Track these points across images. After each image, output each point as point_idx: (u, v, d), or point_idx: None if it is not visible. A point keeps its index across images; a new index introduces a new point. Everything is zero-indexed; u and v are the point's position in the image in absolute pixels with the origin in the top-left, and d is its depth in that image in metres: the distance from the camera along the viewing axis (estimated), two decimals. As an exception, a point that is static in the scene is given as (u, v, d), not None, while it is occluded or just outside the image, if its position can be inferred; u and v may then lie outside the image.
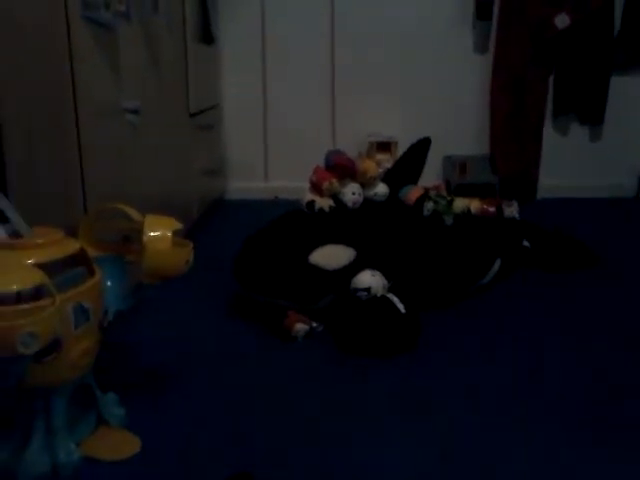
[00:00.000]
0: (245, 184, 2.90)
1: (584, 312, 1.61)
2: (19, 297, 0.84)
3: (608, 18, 2.63)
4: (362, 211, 1.73)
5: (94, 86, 1.38)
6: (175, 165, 2.02)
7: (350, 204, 1.72)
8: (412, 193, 1.87)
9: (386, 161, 2.49)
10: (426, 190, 1.91)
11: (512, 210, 1.94)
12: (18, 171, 1.11)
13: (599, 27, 2.63)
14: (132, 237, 1.12)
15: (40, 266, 0.89)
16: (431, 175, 2.70)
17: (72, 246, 0.97)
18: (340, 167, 1.73)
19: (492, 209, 1.90)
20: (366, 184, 1.78)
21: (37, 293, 0.86)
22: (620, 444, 1.07)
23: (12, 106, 1.11)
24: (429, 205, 1.85)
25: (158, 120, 1.81)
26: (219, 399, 1.21)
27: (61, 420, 0.99)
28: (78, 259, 0.99)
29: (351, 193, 1.73)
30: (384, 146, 2.70)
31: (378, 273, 1.47)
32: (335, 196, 1.72)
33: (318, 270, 1.51)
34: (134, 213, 1.09)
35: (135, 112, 1.58)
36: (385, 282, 1.46)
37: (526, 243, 1.94)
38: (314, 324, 1.48)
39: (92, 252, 1.06)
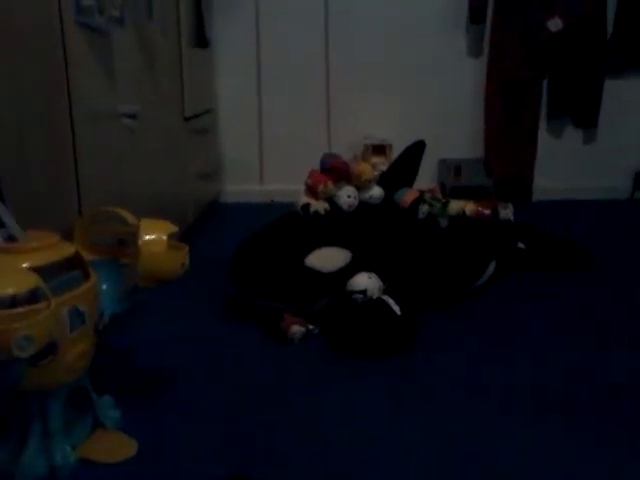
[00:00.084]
0: (240, 187, 2.90)
1: (579, 313, 1.62)
2: (14, 301, 0.85)
3: (601, 21, 2.65)
4: (357, 214, 1.74)
5: (89, 90, 1.38)
6: (170, 169, 2.03)
7: (345, 207, 1.73)
8: (407, 196, 1.88)
9: (381, 164, 2.50)
10: (421, 193, 1.91)
11: (507, 212, 1.94)
12: (12, 175, 1.11)
13: (592, 30, 2.64)
14: (127, 240, 1.12)
15: (35, 270, 0.89)
16: (426, 178, 2.71)
17: (67, 249, 0.97)
18: (335, 170, 1.73)
19: (487, 211, 1.90)
20: (361, 187, 1.78)
21: (32, 297, 0.87)
22: (620, 444, 1.07)
23: (5, 111, 1.11)
24: (424, 208, 1.85)
25: (153, 124, 1.82)
26: (215, 401, 1.22)
27: (57, 423, 0.99)
28: (73, 262, 0.99)
29: (346, 196, 1.73)
30: (379, 149, 2.70)
31: (374, 275, 1.47)
32: (330, 199, 1.73)
33: (314, 273, 1.51)
34: (129, 216, 1.10)
35: (132, 117, 1.58)
36: (381, 284, 1.47)
37: (521, 245, 1.95)
38: (310, 327, 1.48)
39: (87, 255, 1.07)
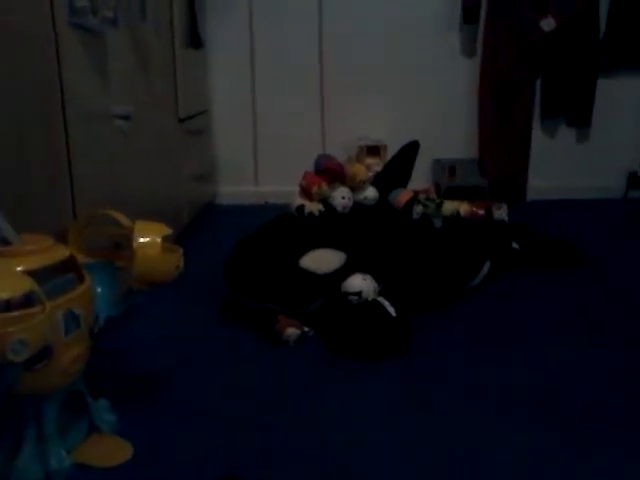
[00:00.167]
0: (235, 189, 2.90)
1: (574, 312, 1.62)
2: (8, 304, 0.84)
3: (593, 21, 2.66)
4: (352, 215, 1.74)
5: (82, 92, 1.38)
6: (165, 170, 2.02)
7: (340, 208, 1.73)
8: (401, 196, 1.88)
9: (375, 165, 2.50)
10: (415, 193, 1.91)
11: (501, 212, 1.95)
12: (6, 177, 1.11)
13: (585, 30, 2.65)
14: (122, 243, 1.12)
15: (29, 273, 0.88)
16: (421, 178, 2.71)
17: (62, 253, 0.97)
18: (329, 171, 1.73)
19: (481, 212, 1.91)
20: (355, 188, 1.78)
21: (27, 300, 0.86)
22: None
23: None
24: (418, 208, 1.85)
25: (147, 125, 1.81)
26: (211, 404, 1.21)
27: (52, 427, 0.98)
28: (68, 266, 0.99)
29: (341, 197, 1.73)
30: (373, 150, 2.70)
31: (369, 277, 1.47)
32: (325, 200, 1.73)
33: (308, 274, 1.51)
34: (124, 219, 1.09)
35: (126, 118, 1.58)
36: (376, 286, 1.47)
37: (515, 245, 1.95)
38: (305, 329, 1.48)
39: (82, 258, 1.06)
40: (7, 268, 0.89)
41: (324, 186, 1.71)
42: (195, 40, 2.39)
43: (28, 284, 0.86)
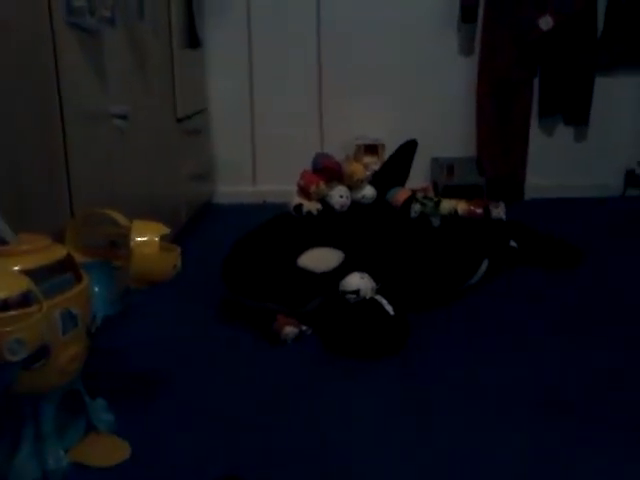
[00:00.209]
0: (233, 188, 2.89)
1: (573, 310, 1.62)
2: (6, 304, 0.84)
3: (591, 19, 2.66)
4: (350, 214, 1.74)
5: (80, 91, 1.38)
6: (163, 170, 2.02)
7: (338, 207, 1.73)
8: (399, 195, 1.88)
9: (373, 164, 2.50)
10: (413, 192, 1.91)
11: (499, 211, 1.95)
12: (3, 177, 1.11)
13: (582, 28, 2.65)
14: (119, 242, 1.12)
15: (27, 273, 0.88)
16: (419, 177, 2.71)
17: (59, 252, 0.97)
18: (327, 170, 1.73)
19: (479, 210, 1.91)
20: (353, 187, 1.78)
21: (24, 300, 0.86)
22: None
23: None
24: (416, 207, 1.85)
25: (145, 125, 1.81)
26: (209, 403, 1.21)
27: (50, 426, 0.98)
28: (65, 265, 0.99)
29: (338, 196, 1.73)
30: (371, 149, 2.70)
31: (367, 275, 1.47)
32: (323, 199, 1.73)
33: (307, 273, 1.51)
34: (121, 218, 1.09)
35: (123, 117, 1.58)
36: (374, 284, 1.47)
37: (513, 243, 1.95)
38: (303, 327, 1.48)
39: (79, 258, 1.06)
40: (4, 268, 0.89)
41: (322, 185, 1.71)
42: (193, 40, 2.39)
43: (25, 283, 0.86)
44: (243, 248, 1.61)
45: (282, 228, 1.68)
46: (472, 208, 1.90)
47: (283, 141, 2.83)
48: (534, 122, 2.81)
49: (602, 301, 1.69)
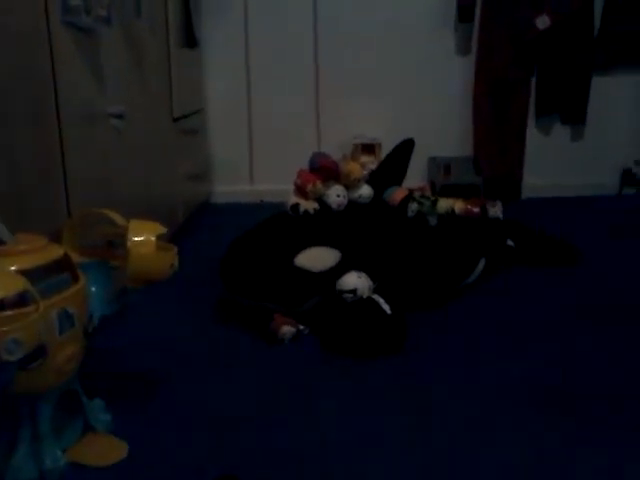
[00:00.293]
0: (230, 188, 2.89)
1: (570, 309, 1.62)
2: (2, 304, 0.84)
3: (588, 18, 2.66)
4: (347, 213, 1.74)
5: (76, 91, 1.37)
6: (160, 169, 2.02)
7: (334, 206, 1.73)
8: (396, 194, 1.88)
9: (370, 163, 2.50)
10: (410, 191, 1.92)
11: (496, 210, 1.95)
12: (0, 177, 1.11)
13: (579, 28, 2.66)
14: (116, 242, 1.12)
15: (23, 273, 0.88)
16: (416, 176, 2.72)
17: (56, 252, 0.97)
18: (324, 169, 1.74)
19: (476, 209, 1.91)
20: (350, 186, 1.79)
21: (20, 300, 0.86)
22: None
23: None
24: (413, 206, 1.86)
25: (142, 125, 1.81)
26: (206, 403, 1.21)
27: (47, 426, 0.98)
28: (62, 265, 0.99)
29: (335, 195, 1.73)
30: (369, 148, 2.70)
31: (364, 274, 1.47)
32: (320, 198, 1.73)
33: (304, 272, 1.51)
34: (118, 218, 1.09)
35: (120, 117, 1.58)
36: (371, 283, 1.47)
37: (510, 242, 1.95)
38: (301, 327, 1.48)
39: (76, 257, 1.06)
40: (1, 268, 0.89)
41: (319, 184, 1.71)
42: (190, 39, 2.39)
43: (22, 283, 0.86)
44: (240, 247, 1.61)
45: (279, 227, 1.68)
46: (469, 207, 1.91)
47: (280, 140, 2.83)
48: (531, 121, 2.81)
49: (600, 300, 1.69)
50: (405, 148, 1.99)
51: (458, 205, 1.91)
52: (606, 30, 2.69)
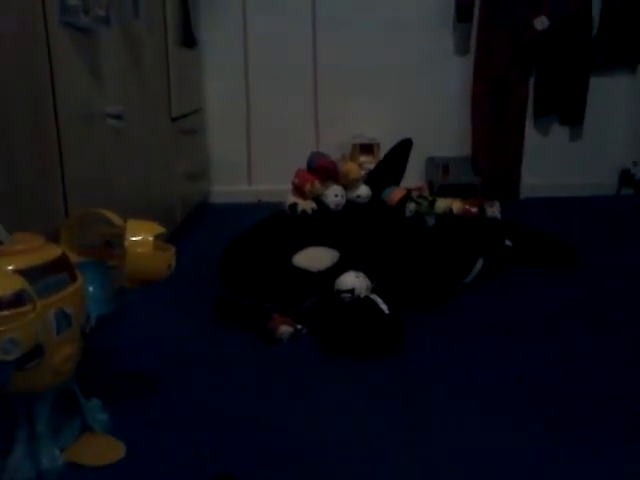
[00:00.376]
0: (228, 187, 2.90)
1: (567, 309, 1.63)
2: (-1, 303, 0.84)
3: (586, 19, 2.66)
4: (345, 213, 1.74)
5: (74, 91, 1.37)
6: (158, 169, 2.02)
7: (332, 206, 1.73)
8: (394, 194, 1.88)
9: (369, 163, 2.51)
10: (408, 191, 1.92)
11: (494, 210, 1.96)
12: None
13: (578, 28, 2.66)
14: (114, 242, 1.12)
15: (20, 272, 0.88)
16: (414, 176, 2.72)
17: (53, 252, 0.97)
18: (322, 169, 1.74)
19: (474, 209, 1.91)
20: (348, 186, 1.79)
21: (18, 299, 0.86)
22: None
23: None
24: (411, 206, 1.86)
25: (140, 125, 1.81)
26: (204, 403, 1.21)
27: (44, 426, 0.98)
28: (60, 265, 0.99)
29: (333, 195, 1.73)
30: (367, 148, 2.71)
31: (362, 274, 1.47)
32: (318, 198, 1.73)
33: (302, 272, 1.51)
34: (116, 218, 1.09)
35: (118, 117, 1.58)
36: (369, 283, 1.47)
37: (508, 242, 1.96)
38: (299, 326, 1.48)
39: (74, 257, 1.06)
40: (-2, 267, 0.89)
41: (317, 184, 1.71)
42: (189, 39, 2.38)
43: (19, 283, 0.86)
44: (238, 247, 1.61)
45: (277, 227, 1.68)
46: (467, 207, 1.91)
47: (278, 140, 2.83)
48: (529, 122, 2.82)
49: (599, 300, 1.69)
50: (403, 148, 1.99)
51: (456, 205, 1.91)
52: (604, 31, 2.69)
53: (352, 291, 1.44)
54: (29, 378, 0.93)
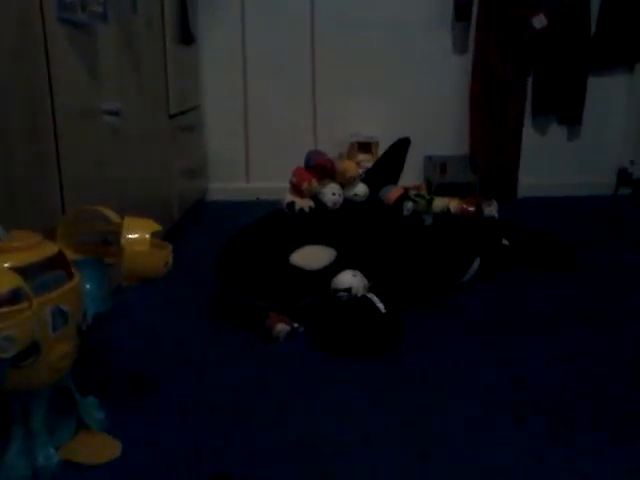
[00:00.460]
0: (226, 185, 2.89)
1: (566, 309, 1.63)
2: (-4, 301, 0.84)
3: (584, 18, 2.66)
4: (342, 211, 1.74)
5: (71, 88, 1.37)
6: (155, 166, 2.02)
7: (330, 204, 1.73)
8: (392, 193, 1.88)
9: (367, 161, 2.50)
10: (406, 190, 1.92)
11: (491, 209, 1.96)
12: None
13: (576, 28, 2.66)
14: (111, 239, 1.11)
15: (17, 270, 0.88)
16: (412, 175, 2.72)
17: (50, 249, 0.97)
18: (320, 167, 1.73)
19: (471, 208, 1.91)
20: (346, 184, 1.78)
21: (14, 297, 0.86)
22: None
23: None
24: (409, 205, 1.86)
25: (138, 122, 1.80)
26: (201, 401, 1.21)
27: (40, 424, 0.98)
28: (56, 262, 0.98)
29: (331, 193, 1.73)
30: (365, 146, 2.70)
31: (359, 273, 1.47)
32: (315, 197, 1.73)
33: (299, 271, 1.51)
34: (113, 215, 1.09)
35: (115, 114, 1.57)
36: (366, 282, 1.47)
37: (505, 242, 1.96)
38: (295, 325, 1.48)
39: (71, 255, 1.06)
40: (-6, 264, 0.88)
41: (314, 182, 1.70)
42: (186, 36, 2.38)
43: (15, 280, 0.85)
44: (236, 245, 1.61)
45: (275, 226, 1.68)
46: (464, 206, 1.91)
47: (276, 138, 2.83)
48: (527, 121, 2.81)
49: (598, 300, 1.69)
50: (401, 147, 1.99)
51: (453, 204, 1.91)
52: (603, 30, 2.69)
53: (349, 290, 1.44)
54: (25, 376, 0.93)
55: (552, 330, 1.51)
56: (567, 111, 2.80)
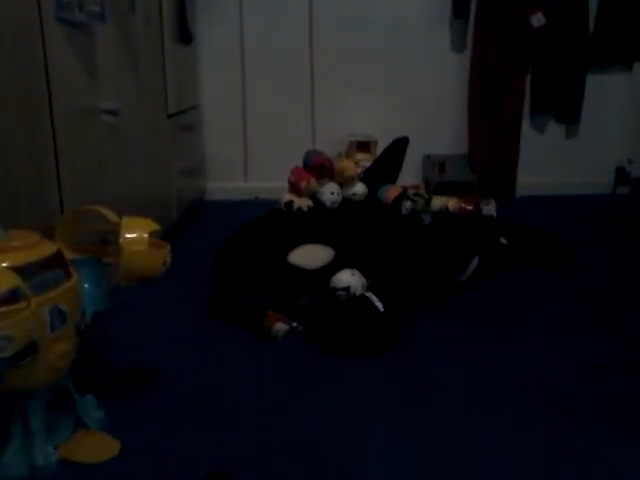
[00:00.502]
0: (225, 184, 2.89)
1: (565, 308, 1.63)
2: (-6, 300, 0.84)
3: (583, 17, 2.66)
4: (341, 211, 1.74)
5: (70, 87, 1.37)
6: (154, 166, 2.02)
7: (328, 204, 1.73)
8: (390, 192, 1.88)
9: (365, 161, 2.50)
10: (404, 189, 1.92)
11: (489, 208, 1.96)
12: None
13: (574, 26, 2.66)
14: (109, 239, 1.11)
15: (15, 269, 0.88)
16: (411, 174, 2.72)
17: (49, 249, 0.97)
18: (318, 167, 1.73)
19: (470, 207, 1.92)
20: (344, 184, 1.79)
21: (12, 296, 0.86)
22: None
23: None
24: (407, 204, 1.86)
25: (136, 121, 1.80)
26: (199, 401, 1.21)
27: (38, 423, 0.98)
28: (55, 261, 0.98)
29: (329, 193, 1.73)
30: (364, 145, 2.70)
31: (357, 272, 1.47)
32: (314, 196, 1.73)
33: (297, 270, 1.51)
34: (111, 215, 1.09)
35: (114, 113, 1.57)
36: (364, 281, 1.47)
37: (503, 240, 1.96)
38: (294, 324, 1.48)
39: (69, 254, 1.06)
40: (-7, 264, 0.89)
41: (313, 182, 1.71)
42: (185, 35, 2.38)
43: (13, 280, 0.86)
44: (234, 245, 1.61)
45: (273, 225, 1.68)
46: (463, 205, 1.91)
47: (275, 137, 2.83)
48: (525, 119, 2.81)
49: (596, 299, 1.69)
50: (399, 146, 1.99)
51: (452, 203, 1.91)
52: (601, 28, 2.69)
53: (347, 289, 1.44)
54: (23, 375, 0.93)
55: (551, 329, 1.51)
56: (565, 109, 2.80)
